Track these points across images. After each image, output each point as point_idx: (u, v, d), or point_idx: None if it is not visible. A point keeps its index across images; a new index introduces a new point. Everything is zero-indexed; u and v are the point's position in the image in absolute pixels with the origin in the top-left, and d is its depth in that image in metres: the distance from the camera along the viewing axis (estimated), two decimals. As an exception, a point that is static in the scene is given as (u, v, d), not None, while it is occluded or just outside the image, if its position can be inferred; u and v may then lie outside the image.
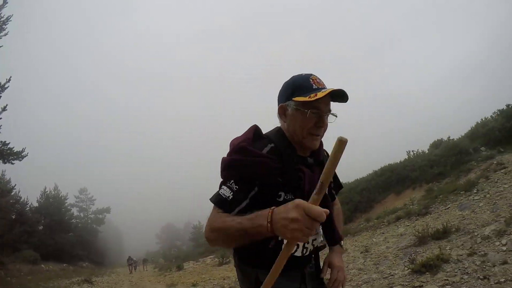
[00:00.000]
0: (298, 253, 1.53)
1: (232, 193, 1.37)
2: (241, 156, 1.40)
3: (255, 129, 1.55)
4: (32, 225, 28.87)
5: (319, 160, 1.57)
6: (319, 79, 1.47)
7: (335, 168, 1.01)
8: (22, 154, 14.72)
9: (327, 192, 1.47)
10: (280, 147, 1.47)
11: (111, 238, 57.78)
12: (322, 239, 1.68)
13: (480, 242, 5.75)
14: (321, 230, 1.65)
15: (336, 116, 1.49)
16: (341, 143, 0.97)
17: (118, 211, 68.22)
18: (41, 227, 31.59)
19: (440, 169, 14.00)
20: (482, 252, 5.27)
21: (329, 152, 1.18)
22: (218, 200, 1.38)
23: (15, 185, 25.24)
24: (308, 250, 1.57)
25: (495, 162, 11.39)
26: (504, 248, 5.23)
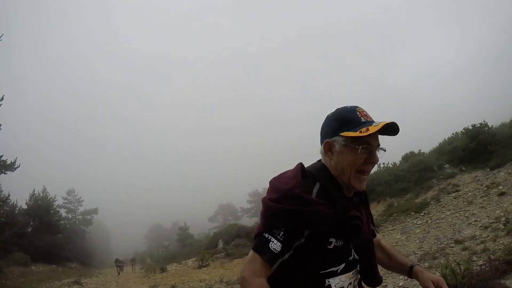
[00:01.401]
0: None
1: (281, 245, 1.24)
2: (295, 206, 1.24)
3: (301, 168, 1.39)
4: (22, 227, 29.72)
5: (361, 198, 1.46)
6: (366, 111, 1.38)
7: None
8: (15, 166, 15.86)
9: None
10: (328, 188, 1.34)
11: (99, 239, 58.50)
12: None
13: (390, 272, 6.56)
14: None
15: (385, 151, 1.38)
16: None
17: (106, 212, 68.88)
18: (30, 229, 32.45)
19: (404, 184, 14.65)
20: (384, 283, 6.24)
21: None
22: (269, 256, 1.24)
23: (2, 191, 26.21)
24: None
25: (452, 182, 12.27)
26: (401, 283, 6.38)
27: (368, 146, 1.32)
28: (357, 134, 1.28)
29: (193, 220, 59.51)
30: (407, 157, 18.33)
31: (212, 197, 74.07)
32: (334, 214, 1.28)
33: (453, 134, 17.03)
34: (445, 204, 11.12)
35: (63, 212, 47.63)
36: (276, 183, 1.33)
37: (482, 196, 10.39)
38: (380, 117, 1.38)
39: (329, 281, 1.30)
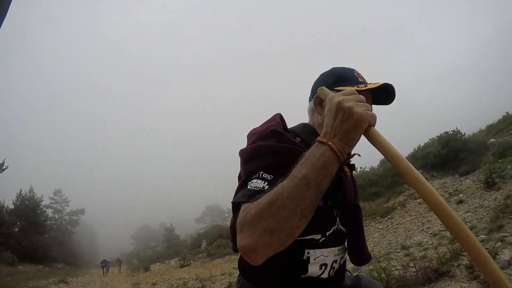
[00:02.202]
0: (325, 275, 1.20)
1: (267, 182, 0.99)
2: (273, 142, 1.08)
3: (280, 117, 1.23)
4: (9, 227, 30.10)
5: (349, 161, 1.30)
6: (362, 75, 1.28)
7: None
8: (3, 168, 16.50)
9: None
10: (310, 143, 1.02)
11: (85, 239, 58.68)
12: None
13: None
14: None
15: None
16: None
17: (93, 212, 69.06)
18: (17, 229, 32.78)
19: (377, 189, 14.97)
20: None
21: None
22: (250, 194, 0.96)
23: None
24: (334, 270, 1.24)
25: None
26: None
27: None
28: (354, 88, 1.13)
29: (180, 221, 60.16)
30: (384, 161, 18.42)
31: (199, 199, 74.77)
32: None
33: (429, 139, 17.25)
34: (409, 209, 11.42)
35: (49, 212, 47.89)
36: (252, 132, 1.19)
37: (460, 200, 10.26)
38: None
39: (308, 253, 1.13)
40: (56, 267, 31.02)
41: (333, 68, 1.32)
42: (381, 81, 1.19)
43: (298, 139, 1.16)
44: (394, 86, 1.22)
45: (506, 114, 16.85)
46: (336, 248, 1.21)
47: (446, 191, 11.27)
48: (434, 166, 14.16)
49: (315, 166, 0.86)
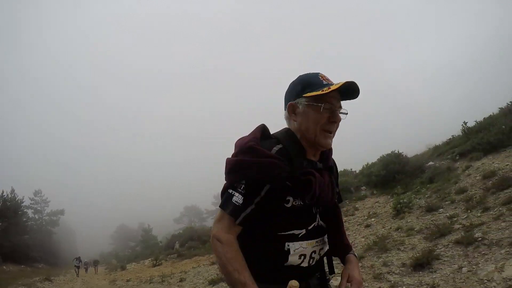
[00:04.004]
0: (305, 264, 1.42)
1: (242, 198, 1.31)
2: (250, 157, 1.31)
3: (262, 128, 1.45)
4: (-10, 228, 31.36)
5: (328, 165, 1.52)
6: (327, 76, 1.43)
7: None
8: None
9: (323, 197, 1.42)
10: (289, 149, 1.38)
11: (65, 240, 59.55)
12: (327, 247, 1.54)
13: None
14: (326, 238, 1.52)
15: (346, 114, 1.46)
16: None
17: (73, 213, 69.80)
18: (-3, 230, 33.95)
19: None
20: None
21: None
22: (228, 207, 1.33)
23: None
24: (315, 260, 1.47)
25: (356, 205, 13.06)
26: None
27: (330, 105, 1.38)
28: (319, 92, 1.33)
29: (160, 221, 61.60)
30: (340, 175, 20.49)
31: (178, 199, 75.94)
32: (291, 172, 1.32)
33: (379, 157, 17.17)
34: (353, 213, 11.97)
35: (30, 212, 48.60)
36: (237, 142, 1.40)
37: (360, 223, 10.87)
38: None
39: (288, 245, 1.35)
40: (37, 267, 32.45)
41: (300, 76, 1.45)
42: (344, 80, 1.34)
43: (279, 146, 1.37)
44: (355, 82, 1.36)
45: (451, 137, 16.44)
46: (314, 241, 1.42)
47: (369, 212, 11.63)
48: (375, 185, 14.68)
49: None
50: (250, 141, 1.34)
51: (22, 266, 29.28)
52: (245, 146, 1.33)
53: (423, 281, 5.45)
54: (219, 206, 1.38)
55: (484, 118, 14.04)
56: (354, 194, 15.31)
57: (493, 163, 9.97)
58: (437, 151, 15.68)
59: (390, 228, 9.10)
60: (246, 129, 1.47)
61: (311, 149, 1.45)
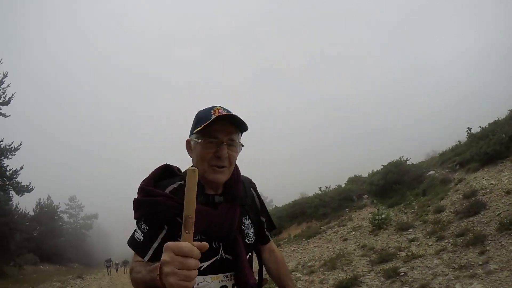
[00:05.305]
0: None
1: (143, 235, 1.33)
2: (141, 197, 1.37)
3: (162, 168, 1.47)
4: (29, 232, 33.77)
5: (233, 197, 1.45)
6: (224, 108, 1.38)
7: (193, 199, 0.91)
8: (29, 188, 20.27)
9: (248, 240, 1.47)
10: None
11: (99, 242, 62.53)
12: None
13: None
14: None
15: (242, 145, 1.42)
16: (193, 172, 0.92)
17: (107, 216, 72.93)
18: (36, 234, 36.45)
19: (326, 210, 15.51)
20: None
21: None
22: (133, 245, 1.36)
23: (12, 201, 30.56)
24: None
25: (352, 215, 12.97)
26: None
27: (213, 140, 1.33)
28: (198, 129, 1.31)
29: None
30: (351, 180, 19.11)
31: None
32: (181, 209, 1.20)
33: (383, 166, 16.29)
34: (324, 235, 11.82)
35: (65, 217, 52.27)
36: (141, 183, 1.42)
37: (342, 236, 10.72)
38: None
39: None
40: (72, 267, 34.72)
41: (198, 111, 1.44)
42: (236, 112, 1.36)
43: (179, 183, 1.38)
44: (233, 115, 1.34)
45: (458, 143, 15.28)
46: (222, 275, 1.37)
47: (358, 224, 11.42)
48: (376, 194, 14.40)
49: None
50: (142, 182, 1.40)
51: (58, 265, 31.44)
52: (140, 188, 1.39)
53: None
54: (128, 244, 1.40)
55: (489, 124, 12.81)
56: (356, 202, 15.11)
57: (483, 178, 9.52)
58: (442, 158, 15.05)
59: (359, 244, 9.09)
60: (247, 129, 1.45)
61: (209, 184, 1.41)
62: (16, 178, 20.17)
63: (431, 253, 6.58)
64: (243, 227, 1.47)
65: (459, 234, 6.75)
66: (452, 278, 5.29)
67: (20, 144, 19.87)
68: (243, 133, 1.45)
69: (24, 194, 20.41)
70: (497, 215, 6.87)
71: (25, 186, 20.37)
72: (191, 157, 1.45)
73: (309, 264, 9.06)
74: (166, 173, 1.46)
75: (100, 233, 67.09)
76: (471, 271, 5.28)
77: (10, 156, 19.73)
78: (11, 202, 29.60)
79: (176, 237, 1.26)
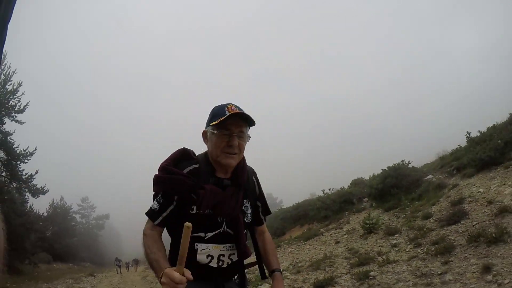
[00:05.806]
0: (213, 264, 1.69)
1: (158, 205, 1.65)
2: (162, 174, 1.66)
3: (181, 152, 1.76)
4: (42, 232, 34.70)
5: (238, 182, 1.75)
6: (236, 106, 1.68)
7: (186, 246, 1.24)
8: (44, 190, 21.13)
9: (246, 219, 1.79)
10: (201, 168, 1.71)
11: (110, 241, 63.42)
12: (244, 257, 1.78)
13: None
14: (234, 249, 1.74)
15: (249, 137, 1.74)
16: (188, 228, 1.23)
17: (118, 217, 73.87)
18: (49, 234, 37.41)
19: (327, 212, 15.58)
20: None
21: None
22: (149, 213, 1.68)
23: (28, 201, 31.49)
24: (225, 263, 1.72)
25: (350, 218, 13.02)
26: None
27: (226, 132, 1.64)
28: (214, 123, 1.62)
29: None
30: (354, 182, 18.90)
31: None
32: (195, 187, 1.62)
33: (382, 170, 16.00)
34: (321, 238, 11.88)
35: (78, 217, 53.41)
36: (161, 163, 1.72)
37: (336, 239, 10.75)
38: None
39: (197, 245, 1.63)
40: (84, 266, 35.56)
41: (214, 107, 1.75)
42: (244, 109, 1.69)
43: (195, 165, 1.71)
44: (244, 113, 1.65)
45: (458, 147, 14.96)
46: (221, 245, 1.69)
47: (352, 228, 11.51)
48: (375, 197, 14.40)
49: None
50: (164, 162, 1.70)
51: (70, 264, 32.24)
52: (160, 166, 1.69)
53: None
54: (146, 214, 1.70)
55: (487, 128, 12.66)
56: (356, 205, 15.08)
57: (474, 185, 9.41)
58: (442, 162, 14.94)
59: (347, 247, 9.24)
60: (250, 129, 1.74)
61: (220, 168, 1.72)
62: (32, 181, 21.05)
63: (405, 259, 6.71)
64: (243, 208, 1.77)
65: (435, 242, 6.77)
66: (411, 285, 5.48)
67: (35, 149, 20.70)
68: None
69: (39, 196, 21.22)
70: (473, 225, 6.81)
71: (40, 189, 21.22)
72: (206, 145, 1.76)
73: (299, 264, 9.35)
74: (184, 155, 1.76)
75: (111, 233, 68.18)
76: (429, 279, 5.43)
77: (26, 161, 20.52)
78: (27, 203, 30.87)
79: (181, 210, 1.63)
